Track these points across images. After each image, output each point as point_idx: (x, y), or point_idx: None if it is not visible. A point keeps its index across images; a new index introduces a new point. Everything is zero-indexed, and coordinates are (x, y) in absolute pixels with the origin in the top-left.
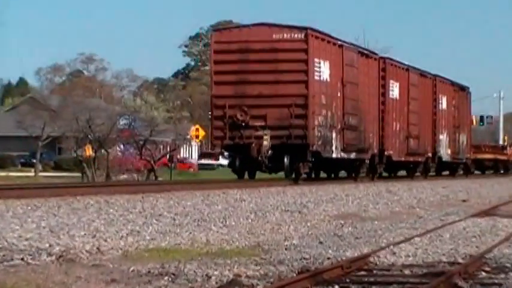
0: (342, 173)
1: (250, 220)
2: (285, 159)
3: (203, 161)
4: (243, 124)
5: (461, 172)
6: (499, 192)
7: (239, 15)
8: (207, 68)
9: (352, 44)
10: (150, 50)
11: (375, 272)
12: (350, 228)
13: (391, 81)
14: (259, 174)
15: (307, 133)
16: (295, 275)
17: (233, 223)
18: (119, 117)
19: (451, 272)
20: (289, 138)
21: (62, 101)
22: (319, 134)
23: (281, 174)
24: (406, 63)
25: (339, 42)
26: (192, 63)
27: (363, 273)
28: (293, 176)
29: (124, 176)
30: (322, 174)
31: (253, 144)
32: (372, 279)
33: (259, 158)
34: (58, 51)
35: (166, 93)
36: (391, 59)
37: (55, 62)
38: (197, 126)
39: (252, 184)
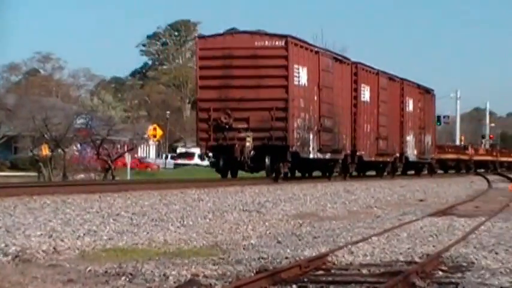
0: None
1: (208, 220)
2: (266, 160)
3: (179, 161)
4: (227, 126)
5: (426, 171)
6: (456, 192)
7: (197, 14)
8: (164, 67)
9: (327, 50)
10: (108, 49)
11: (332, 271)
12: (308, 228)
13: (363, 85)
14: (241, 173)
15: (287, 135)
16: (253, 274)
17: (191, 223)
18: (75, 117)
19: (408, 271)
20: (270, 139)
21: (18, 100)
22: (298, 135)
23: (262, 173)
24: (376, 67)
25: (316, 49)
26: (150, 62)
27: (320, 272)
28: (273, 175)
29: (81, 176)
30: (297, 174)
31: (237, 145)
32: (329, 278)
33: (242, 158)
34: (14, 50)
35: (123, 93)
36: (362, 64)
37: (11, 60)
38: (155, 125)
39: (210, 184)
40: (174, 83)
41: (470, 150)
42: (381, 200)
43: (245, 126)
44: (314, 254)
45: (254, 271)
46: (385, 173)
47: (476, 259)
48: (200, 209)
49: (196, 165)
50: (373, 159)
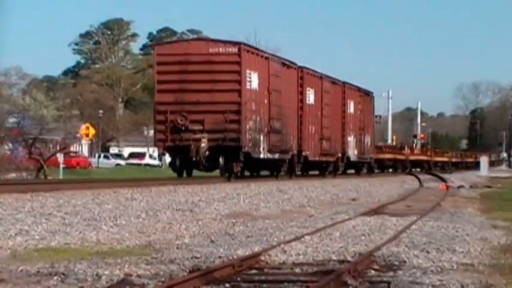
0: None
1: (141, 219)
2: (220, 160)
3: (131, 161)
4: (183, 128)
5: (365, 171)
6: (388, 191)
7: (129, 13)
8: (97, 66)
9: (276, 56)
10: (40, 47)
11: (265, 270)
12: (241, 227)
13: (308, 89)
14: (196, 173)
15: (240, 136)
16: (186, 274)
17: (124, 222)
18: (7, 116)
19: (340, 270)
20: (224, 140)
21: None
22: (250, 137)
23: (216, 172)
24: (320, 71)
25: (266, 55)
26: (83, 61)
27: (254, 271)
28: (227, 174)
29: (12, 175)
30: (246, 173)
31: (192, 146)
32: (262, 277)
33: (198, 158)
34: None
35: (56, 92)
36: (307, 68)
37: None
38: (87, 124)
39: (144, 183)
40: (107, 82)
41: (407, 150)
42: (314, 199)
43: (200, 128)
44: (247, 253)
45: (187, 270)
46: (328, 172)
47: (407, 258)
48: (133, 209)
49: (147, 165)
50: (317, 159)
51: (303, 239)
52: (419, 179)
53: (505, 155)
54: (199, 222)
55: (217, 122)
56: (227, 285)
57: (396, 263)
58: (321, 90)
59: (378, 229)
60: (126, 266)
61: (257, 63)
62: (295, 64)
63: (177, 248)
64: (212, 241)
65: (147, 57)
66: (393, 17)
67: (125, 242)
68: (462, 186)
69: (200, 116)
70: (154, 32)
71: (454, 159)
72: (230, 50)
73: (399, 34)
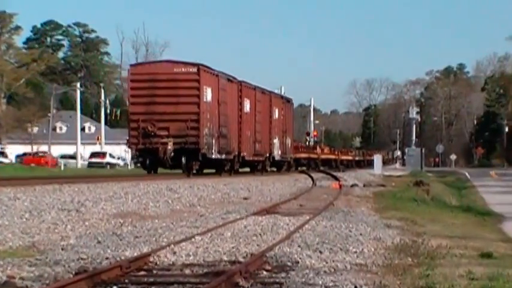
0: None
1: (24, 219)
2: (183, 159)
3: (93, 159)
4: (152, 134)
5: (285, 168)
6: (281, 190)
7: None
8: None
9: (223, 72)
10: None
11: (154, 271)
12: (130, 227)
13: (245, 99)
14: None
15: (198, 140)
16: (72, 276)
17: (6, 223)
18: None
19: (231, 271)
20: (185, 144)
21: None
22: (205, 140)
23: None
24: (254, 83)
25: (216, 72)
26: None
27: (142, 273)
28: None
29: None
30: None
31: (160, 148)
32: (151, 279)
33: (165, 158)
34: None
35: None
36: (245, 82)
37: None
38: None
39: (27, 182)
40: None
41: (318, 150)
42: (204, 199)
43: (166, 133)
44: (135, 254)
45: (73, 272)
46: (257, 170)
47: (300, 258)
48: (16, 208)
49: (108, 163)
50: (251, 158)
51: (193, 239)
52: (312, 178)
53: (398, 153)
54: (86, 223)
55: (180, 129)
56: (114, 287)
57: (289, 263)
58: (255, 99)
59: (270, 229)
60: (9, 267)
61: (210, 80)
62: (236, 79)
63: (63, 249)
64: (99, 242)
65: (31, 51)
66: (287, 11)
67: (8, 243)
68: (356, 185)
69: (166, 124)
70: (39, 25)
71: (357, 158)
72: (191, 70)
73: (291, 29)
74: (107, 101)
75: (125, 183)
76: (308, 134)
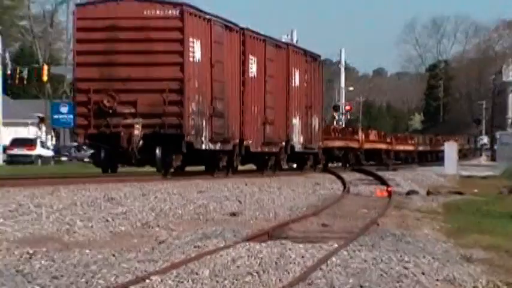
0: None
1: None
2: (157, 151)
3: (16, 151)
4: (110, 111)
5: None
6: (291, 200)
7: None
8: None
9: (218, 16)
10: None
11: None
12: (44, 262)
13: (251, 57)
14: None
15: (182, 122)
16: None
17: None
18: None
19: None
20: (162, 127)
21: None
22: (193, 122)
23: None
24: (262, 32)
25: (208, 16)
26: None
27: None
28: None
29: None
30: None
31: (122, 134)
32: None
33: (130, 149)
34: None
35: None
36: (250, 30)
37: None
38: None
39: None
40: None
41: (361, 135)
42: (166, 214)
43: (132, 111)
44: None
45: None
46: (269, 168)
47: None
48: None
49: (40, 156)
50: (259, 149)
51: (148, 281)
52: (342, 180)
53: (485, 139)
54: None
55: (154, 104)
56: None
57: None
58: (264, 58)
59: (274, 265)
60: None
61: (200, 29)
62: (237, 26)
63: None
64: None
65: None
66: None
67: None
68: (414, 192)
69: (132, 96)
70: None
71: (421, 148)
72: (170, 12)
73: None
74: (7, 55)
75: (37, 190)
76: (336, 108)
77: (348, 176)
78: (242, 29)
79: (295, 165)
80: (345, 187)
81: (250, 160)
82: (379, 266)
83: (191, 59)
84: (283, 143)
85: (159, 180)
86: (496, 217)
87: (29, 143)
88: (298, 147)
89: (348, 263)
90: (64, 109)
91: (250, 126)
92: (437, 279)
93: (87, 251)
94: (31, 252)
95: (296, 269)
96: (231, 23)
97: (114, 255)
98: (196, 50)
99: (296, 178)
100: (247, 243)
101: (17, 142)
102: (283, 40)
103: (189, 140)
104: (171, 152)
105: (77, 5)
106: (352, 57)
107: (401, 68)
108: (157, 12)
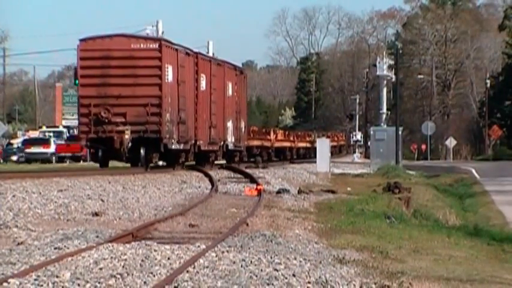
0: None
1: None
2: (142, 151)
3: (32, 149)
4: (106, 120)
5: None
6: (157, 199)
7: None
8: None
9: (181, 45)
10: None
11: None
12: None
13: (201, 75)
14: (114, 163)
15: (160, 128)
16: None
17: None
18: None
19: None
20: (145, 132)
21: None
22: (167, 128)
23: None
24: (209, 54)
25: (175, 47)
26: None
27: None
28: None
29: None
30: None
31: (116, 138)
32: None
33: (121, 149)
34: None
35: None
36: (201, 54)
37: None
38: None
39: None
40: None
41: (272, 135)
42: (25, 214)
43: (123, 120)
44: None
45: None
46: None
47: None
48: None
49: (54, 154)
50: (206, 148)
51: (6, 284)
52: (210, 178)
53: (359, 136)
54: None
55: (139, 115)
56: None
57: None
58: (210, 74)
59: (138, 267)
60: None
61: (171, 57)
62: (192, 51)
63: None
64: None
65: None
66: None
67: None
68: (285, 191)
69: (123, 109)
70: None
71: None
72: (151, 46)
73: None
74: None
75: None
76: None
77: (215, 173)
78: (196, 53)
79: (161, 163)
80: (213, 185)
81: (198, 157)
82: (248, 268)
83: (166, 80)
84: (222, 142)
85: (17, 178)
86: (369, 217)
87: (44, 142)
88: (231, 146)
89: (216, 264)
90: None
91: (201, 130)
92: (309, 282)
93: None
94: None
95: (162, 271)
96: (189, 49)
97: None
98: (169, 73)
99: (162, 176)
100: (111, 245)
101: (30, 141)
102: (147, 32)
103: (165, 142)
104: (152, 152)
105: (80, 40)
106: (221, 49)
107: (271, 61)
108: (142, 45)
